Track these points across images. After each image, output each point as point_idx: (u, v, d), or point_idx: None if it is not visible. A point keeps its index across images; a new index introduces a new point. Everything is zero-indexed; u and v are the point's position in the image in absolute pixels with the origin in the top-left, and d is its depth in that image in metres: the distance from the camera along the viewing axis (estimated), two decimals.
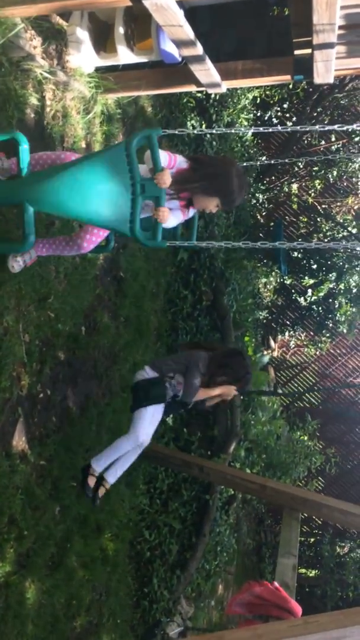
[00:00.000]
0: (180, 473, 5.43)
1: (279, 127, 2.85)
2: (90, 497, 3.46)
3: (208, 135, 6.09)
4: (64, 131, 3.61)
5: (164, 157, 2.63)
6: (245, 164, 4.33)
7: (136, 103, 4.70)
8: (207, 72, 3.58)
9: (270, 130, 2.69)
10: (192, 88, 4.00)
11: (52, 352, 3.59)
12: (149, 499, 5.18)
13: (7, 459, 3.09)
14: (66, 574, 3.66)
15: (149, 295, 5.25)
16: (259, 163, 3.85)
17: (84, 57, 3.66)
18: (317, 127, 2.80)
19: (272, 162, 3.94)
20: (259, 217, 8.60)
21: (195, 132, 2.87)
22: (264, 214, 8.74)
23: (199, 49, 3.30)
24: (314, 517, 9.90)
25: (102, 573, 4.22)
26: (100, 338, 4.28)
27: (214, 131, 3.08)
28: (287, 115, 8.16)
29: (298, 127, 2.88)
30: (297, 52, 3.65)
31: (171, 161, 2.68)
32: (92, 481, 3.42)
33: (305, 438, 7.94)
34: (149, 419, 3.48)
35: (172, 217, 2.68)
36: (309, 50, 3.44)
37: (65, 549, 3.68)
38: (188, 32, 3.09)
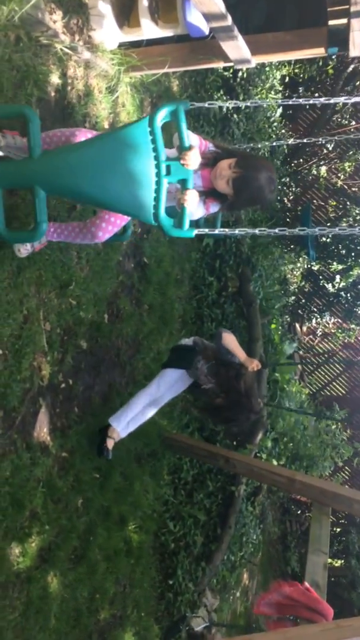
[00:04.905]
0: (205, 464, 5.32)
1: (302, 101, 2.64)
2: (105, 457, 3.54)
3: (235, 116, 5.88)
4: (86, 111, 3.46)
5: (195, 139, 2.40)
6: (275, 144, 4.14)
7: (160, 81, 4.52)
8: (236, 46, 3.38)
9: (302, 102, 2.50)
10: (220, 64, 3.80)
11: (74, 340, 3.48)
12: (173, 489, 5.08)
13: (28, 451, 3.00)
14: (89, 567, 3.58)
15: (173, 282, 5.11)
16: (290, 141, 3.58)
17: (106, 32, 3.49)
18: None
19: (303, 141, 3.73)
20: (286, 201, 8.36)
21: (226, 105, 2.57)
22: (291, 197, 8.49)
23: (228, 21, 3.11)
24: None
25: (125, 565, 4.14)
26: (123, 326, 4.17)
27: (247, 103, 2.72)
28: (317, 94, 7.86)
29: (322, 99, 2.57)
30: (331, 22, 3.43)
31: (202, 146, 2.46)
32: (110, 444, 3.49)
33: (333, 427, 7.76)
34: (170, 382, 3.68)
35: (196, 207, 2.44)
36: (344, 20, 3.22)
37: (88, 541, 3.60)
38: (218, 3, 2.90)
